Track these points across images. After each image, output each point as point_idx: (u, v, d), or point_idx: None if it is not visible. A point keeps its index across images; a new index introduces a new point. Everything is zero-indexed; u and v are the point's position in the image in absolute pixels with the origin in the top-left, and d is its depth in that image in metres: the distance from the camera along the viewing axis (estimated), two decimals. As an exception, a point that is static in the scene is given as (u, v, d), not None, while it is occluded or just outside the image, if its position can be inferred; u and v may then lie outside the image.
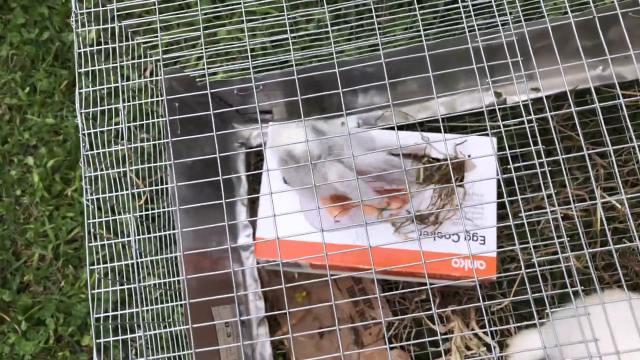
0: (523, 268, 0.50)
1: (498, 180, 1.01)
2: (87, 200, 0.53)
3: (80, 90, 0.53)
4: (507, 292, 1.09)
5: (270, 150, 0.86)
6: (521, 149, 0.64)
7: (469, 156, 0.91)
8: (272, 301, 1.11)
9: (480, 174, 0.91)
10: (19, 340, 1.14)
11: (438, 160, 0.93)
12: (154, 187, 0.61)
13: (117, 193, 0.54)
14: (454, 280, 0.92)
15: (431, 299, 0.56)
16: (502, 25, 0.71)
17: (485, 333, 1.05)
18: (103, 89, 0.55)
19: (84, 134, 0.53)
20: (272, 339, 0.84)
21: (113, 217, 0.54)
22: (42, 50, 1.29)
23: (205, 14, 1.16)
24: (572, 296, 0.56)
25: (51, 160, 1.22)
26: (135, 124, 0.56)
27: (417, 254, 0.88)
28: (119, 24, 0.54)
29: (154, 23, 0.58)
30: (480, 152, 0.91)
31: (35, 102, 1.27)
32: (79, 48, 0.54)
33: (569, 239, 0.55)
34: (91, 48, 0.55)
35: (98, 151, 0.54)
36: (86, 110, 0.53)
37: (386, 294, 0.89)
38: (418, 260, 0.82)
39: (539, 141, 0.56)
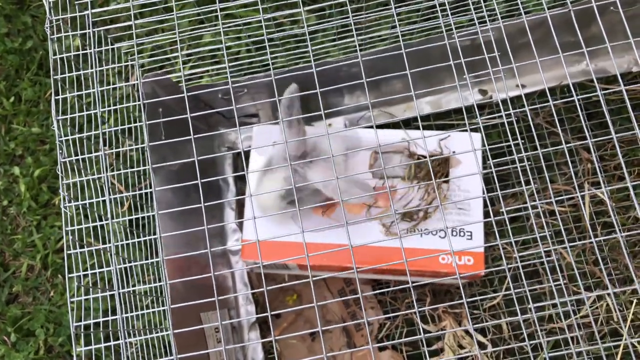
0: (505, 262, 0.49)
1: (485, 177, 1.01)
2: (65, 207, 0.52)
3: (57, 97, 0.53)
4: (499, 289, 1.09)
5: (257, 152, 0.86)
6: (502, 143, 0.63)
7: (453, 152, 0.91)
8: (263, 305, 1.11)
9: (465, 170, 0.91)
10: (8, 352, 1.13)
11: (424, 157, 0.93)
12: (136, 192, 0.61)
13: (97, 199, 0.53)
14: (442, 277, 0.92)
15: (412, 293, 0.55)
16: (480, 22, 0.71)
17: (476, 330, 1.05)
18: (81, 95, 0.54)
19: (60, 141, 0.53)
20: (259, 342, 0.84)
21: (94, 224, 0.54)
22: (27, 60, 1.28)
23: (190, 21, 1.16)
24: (555, 292, 0.55)
25: (38, 169, 1.21)
26: (115, 128, 0.56)
27: (405, 252, 0.87)
28: (94, 30, 0.54)
29: (135, 30, 0.58)
30: (466, 148, 0.91)
31: (21, 112, 1.26)
32: (54, 55, 0.54)
33: (551, 232, 0.54)
34: (67, 54, 0.54)
35: (76, 157, 0.54)
36: (63, 117, 0.53)
37: (374, 292, 0.88)
38: (406, 257, 0.82)
39: (517, 134, 0.56)
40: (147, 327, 0.72)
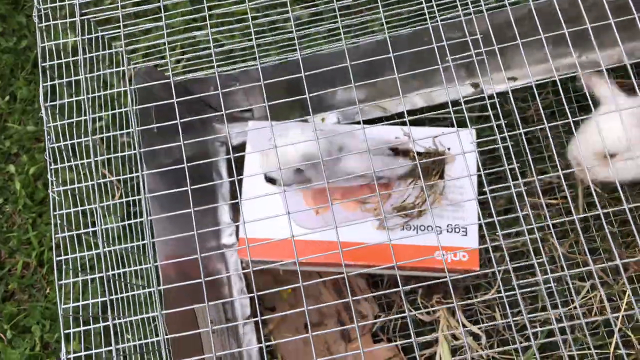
0: (491, 252, 0.50)
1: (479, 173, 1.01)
2: (53, 191, 0.53)
3: (45, 84, 0.54)
4: (492, 281, 1.10)
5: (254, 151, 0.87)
6: (493, 139, 0.64)
7: (448, 149, 0.92)
8: (258, 300, 1.11)
9: (460, 166, 0.91)
10: (4, 349, 1.13)
11: (420, 154, 0.94)
12: (125, 176, 0.61)
13: (85, 184, 0.54)
14: (438, 272, 0.92)
15: (398, 278, 0.56)
16: (465, 14, 0.71)
17: (470, 322, 1.05)
18: (70, 81, 0.55)
19: (49, 127, 0.54)
20: (254, 319, 0.84)
21: (82, 208, 0.54)
22: (21, 59, 1.29)
23: (182, 13, 1.17)
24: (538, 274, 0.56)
25: (33, 167, 1.22)
26: (105, 113, 0.56)
27: (398, 248, 0.88)
28: (82, 18, 0.54)
29: (121, 19, 0.58)
30: (460, 144, 0.91)
31: (16, 110, 1.27)
32: (42, 42, 0.54)
33: (536, 221, 0.55)
34: (56, 42, 0.55)
35: (64, 143, 0.55)
36: (51, 104, 0.53)
37: (367, 279, 0.88)
38: (399, 253, 0.82)
39: (502, 120, 0.56)
40: (137, 313, 0.71)
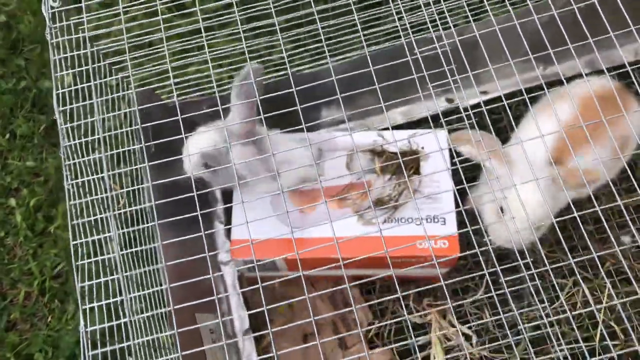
0: (475, 244, 0.55)
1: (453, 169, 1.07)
2: (68, 184, 0.58)
3: (57, 92, 0.60)
4: (479, 283, 1.14)
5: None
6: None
7: (422, 148, 0.98)
8: (255, 313, 1.14)
9: (434, 163, 0.97)
10: (8, 377, 1.15)
11: (395, 154, 1.00)
12: (128, 168, 0.66)
13: (94, 176, 0.59)
14: (422, 261, 0.96)
15: (396, 283, 0.61)
16: (434, 29, 0.79)
17: (461, 323, 1.09)
18: (78, 89, 0.61)
19: (61, 129, 0.59)
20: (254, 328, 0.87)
21: (91, 198, 0.59)
22: (20, 99, 1.36)
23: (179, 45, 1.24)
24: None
25: (33, 199, 1.27)
26: (111, 114, 0.62)
27: (385, 240, 0.93)
28: (85, 34, 0.61)
29: (123, 43, 0.65)
30: (434, 144, 0.98)
31: (16, 147, 1.32)
32: (54, 55, 0.61)
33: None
34: (65, 55, 0.62)
35: (75, 142, 0.60)
36: (64, 108, 0.59)
37: (359, 282, 0.92)
38: (386, 245, 0.87)
39: (474, 120, 0.63)
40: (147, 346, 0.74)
